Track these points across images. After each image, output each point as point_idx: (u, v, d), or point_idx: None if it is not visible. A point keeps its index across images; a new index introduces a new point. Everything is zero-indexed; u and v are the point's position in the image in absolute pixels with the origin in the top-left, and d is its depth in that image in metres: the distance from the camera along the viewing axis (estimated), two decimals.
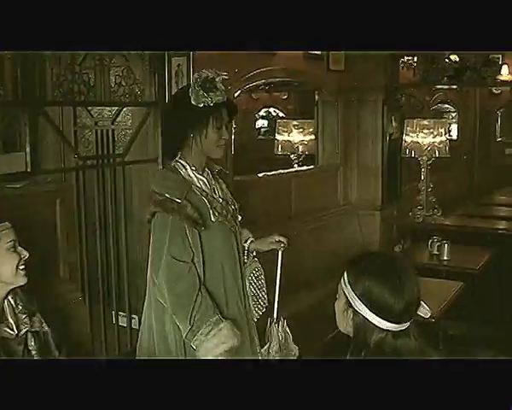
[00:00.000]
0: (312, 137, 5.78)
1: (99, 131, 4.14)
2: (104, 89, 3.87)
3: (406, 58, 6.45)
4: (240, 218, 2.75)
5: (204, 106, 2.48)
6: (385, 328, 1.67)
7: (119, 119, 4.00)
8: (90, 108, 4.17)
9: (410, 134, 5.38)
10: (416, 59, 6.50)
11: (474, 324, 5.41)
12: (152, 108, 3.61)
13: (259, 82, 4.64)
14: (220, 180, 2.74)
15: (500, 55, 8.70)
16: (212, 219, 2.55)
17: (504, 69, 9.10)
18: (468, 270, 4.93)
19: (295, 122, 6.15)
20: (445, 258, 5.04)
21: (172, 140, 2.66)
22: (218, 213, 2.57)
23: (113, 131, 4.10)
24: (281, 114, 9.20)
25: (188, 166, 2.58)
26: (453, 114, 9.81)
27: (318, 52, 4.93)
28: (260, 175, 4.83)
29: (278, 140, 6.15)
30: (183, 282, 2.45)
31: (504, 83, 8.66)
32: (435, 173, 6.10)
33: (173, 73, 3.64)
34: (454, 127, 9.84)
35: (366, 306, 1.67)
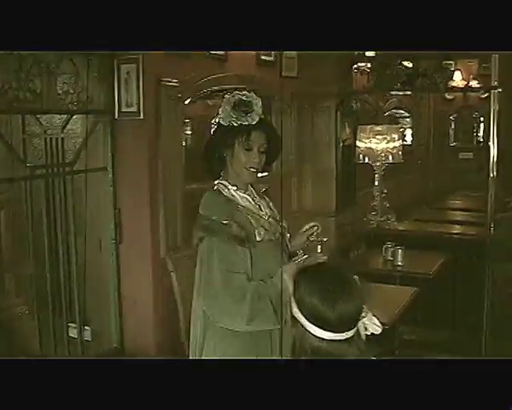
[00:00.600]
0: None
1: (48, 140, 4.10)
2: (51, 96, 3.84)
3: (360, 64, 6.56)
4: (289, 236, 2.78)
5: (230, 125, 2.53)
6: (320, 336, 1.70)
7: (68, 126, 3.96)
8: (38, 115, 4.12)
9: (364, 140, 5.46)
10: (369, 65, 6.61)
11: (429, 328, 5.53)
12: (101, 116, 3.61)
13: (211, 89, 4.65)
14: (267, 198, 2.78)
15: (452, 62, 8.94)
16: (258, 238, 2.55)
17: (457, 75, 9.33)
18: (422, 275, 5.03)
19: None
20: (399, 263, 5.15)
21: (209, 159, 2.68)
22: (265, 230, 2.58)
23: (62, 139, 4.06)
24: None
25: (230, 186, 2.62)
26: (407, 120, 10.00)
27: (271, 58, 4.98)
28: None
29: None
30: (249, 290, 2.43)
31: (457, 89, 8.89)
32: (390, 179, 6.22)
33: (122, 80, 3.64)
34: (409, 132, 10.03)
35: (301, 313, 1.72)
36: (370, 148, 5.44)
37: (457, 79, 9.37)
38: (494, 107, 5.38)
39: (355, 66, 6.21)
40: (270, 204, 2.79)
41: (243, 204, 2.60)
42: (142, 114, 3.65)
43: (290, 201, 5.47)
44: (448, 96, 9.83)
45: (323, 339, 1.70)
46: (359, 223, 5.72)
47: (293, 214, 5.41)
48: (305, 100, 5.43)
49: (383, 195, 5.69)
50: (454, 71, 9.31)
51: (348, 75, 5.84)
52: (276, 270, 2.47)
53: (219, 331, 2.53)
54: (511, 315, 5.66)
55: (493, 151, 5.38)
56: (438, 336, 5.47)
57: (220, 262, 2.44)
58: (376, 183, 5.62)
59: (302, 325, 1.72)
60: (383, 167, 5.56)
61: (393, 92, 7.01)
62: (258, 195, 2.75)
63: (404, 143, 9.68)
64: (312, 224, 2.82)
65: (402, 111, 9.70)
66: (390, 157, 5.48)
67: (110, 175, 3.74)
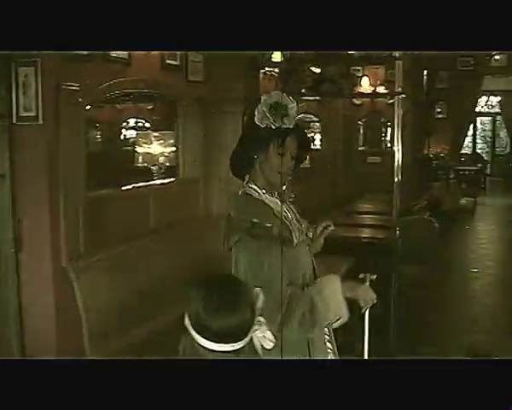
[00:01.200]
0: (173, 148, 5.85)
1: None
2: None
3: (267, 69, 6.68)
4: (311, 235, 2.79)
5: (266, 127, 2.46)
6: (204, 346, 1.71)
7: None
8: None
9: None
10: (276, 70, 6.75)
11: (335, 333, 5.67)
12: None
13: (116, 93, 4.63)
14: (288, 202, 2.75)
15: (360, 68, 9.26)
16: (295, 240, 2.54)
17: (365, 81, 9.67)
18: None
19: (156, 134, 6.19)
20: None
21: (238, 161, 2.62)
22: (298, 232, 2.59)
23: None
24: (147, 125, 9.23)
25: (259, 190, 2.57)
26: (317, 124, 10.27)
27: (177, 62, 5.01)
28: (123, 188, 4.85)
29: (139, 152, 6.16)
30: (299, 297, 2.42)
31: (363, 94, 9.21)
32: (298, 183, 6.35)
33: (20, 83, 3.59)
34: (318, 137, 10.30)
35: (189, 320, 1.74)
36: None
37: (365, 85, 9.72)
38: (398, 112, 5.55)
39: (262, 71, 6.33)
40: (291, 206, 2.79)
41: (276, 207, 2.55)
42: (41, 119, 3.60)
43: (198, 206, 5.51)
44: (356, 102, 10.16)
45: (209, 349, 1.71)
46: None
47: (200, 220, 5.46)
48: (211, 105, 5.48)
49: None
50: (362, 77, 9.65)
51: (255, 80, 5.94)
52: (309, 269, 2.60)
53: None
54: (415, 318, 5.93)
55: (398, 155, 5.56)
56: (344, 340, 5.62)
57: (269, 267, 2.37)
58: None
59: (190, 334, 1.73)
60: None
61: (303, 97, 7.16)
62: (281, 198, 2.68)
63: (314, 147, 9.98)
64: (325, 224, 2.86)
65: (311, 116, 9.96)
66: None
67: (8, 182, 3.67)
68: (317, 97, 7.62)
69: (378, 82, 9.89)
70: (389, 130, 10.49)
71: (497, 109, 20.21)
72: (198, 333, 1.71)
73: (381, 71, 9.90)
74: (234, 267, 2.51)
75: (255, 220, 2.44)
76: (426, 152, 12.27)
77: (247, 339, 1.74)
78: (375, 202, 8.51)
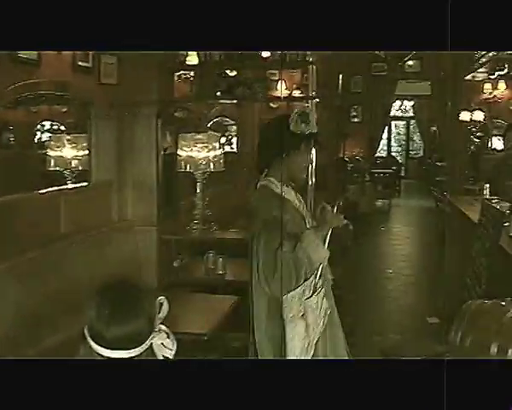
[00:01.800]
0: (86, 152, 5.80)
1: None
2: None
3: (182, 72, 6.73)
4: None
5: (300, 133, 2.98)
6: (98, 352, 1.74)
7: None
8: None
9: (185, 148, 5.60)
10: (192, 73, 6.80)
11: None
12: None
13: (28, 95, 4.58)
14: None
15: (276, 72, 9.38)
16: (308, 225, 3.07)
17: (281, 85, 9.82)
18: (243, 283, 5.17)
19: (68, 137, 6.11)
20: (221, 272, 5.31)
21: (265, 157, 3.15)
22: (311, 218, 3.14)
23: None
24: (63, 128, 9.07)
25: (276, 182, 3.02)
26: (234, 127, 10.36)
27: (89, 64, 4.99)
28: (34, 193, 4.80)
29: (51, 156, 6.06)
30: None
31: (278, 98, 9.35)
32: (214, 186, 6.41)
33: None
34: (234, 140, 10.38)
35: (87, 328, 1.77)
36: (191, 156, 5.59)
37: (281, 89, 9.87)
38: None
39: (177, 73, 6.37)
40: (301, 198, 3.25)
41: (292, 200, 3.09)
42: None
43: (111, 210, 5.49)
44: (273, 105, 10.30)
45: (106, 357, 1.73)
46: (182, 232, 5.84)
47: (114, 224, 5.45)
48: (125, 107, 5.47)
49: (205, 203, 5.85)
50: (278, 81, 9.80)
51: (169, 83, 5.97)
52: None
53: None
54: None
55: (313, 159, 5.68)
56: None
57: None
58: (198, 191, 5.77)
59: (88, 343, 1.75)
60: (205, 176, 5.72)
61: (213, 101, 7.22)
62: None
63: (231, 150, 10.07)
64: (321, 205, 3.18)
65: (228, 119, 10.05)
66: (211, 165, 5.66)
67: None
68: (233, 101, 7.68)
69: (294, 86, 10.09)
70: None
71: (410, 113, 20.92)
72: (94, 341, 1.73)
73: (297, 75, 10.10)
74: (254, 257, 3.02)
75: (275, 214, 2.84)
76: (341, 155, 12.57)
77: (144, 346, 1.76)
78: None
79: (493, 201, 4.57)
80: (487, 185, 5.47)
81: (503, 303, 2.59)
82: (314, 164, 5.57)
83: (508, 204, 4.40)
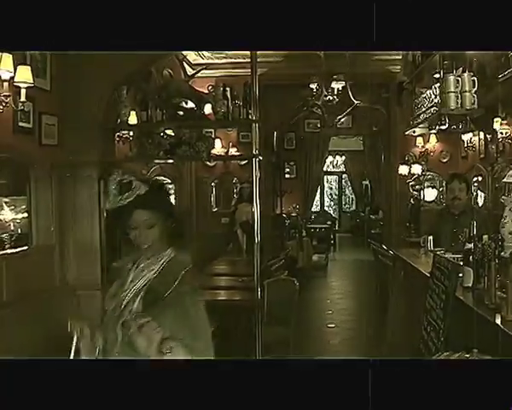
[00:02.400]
0: (26, 214, 5.64)
1: None
2: None
3: (122, 132, 6.70)
4: None
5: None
6: None
7: None
8: None
9: None
10: (132, 133, 6.77)
11: None
12: None
13: None
14: None
15: (213, 130, 9.49)
16: None
17: (217, 143, 9.91)
18: None
19: (6, 199, 5.94)
20: None
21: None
22: None
23: None
24: None
25: None
26: (171, 186, 10.34)
27: (29, 125, 4.91)
28: None
29: None
30: None
31: (218, 157, 9.44)
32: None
33: None
34: (172, 198, 10.33)
35: None
36: None
37: (218, 147, 9.96)
38: (256, 173, 5.73)
39: (117, 134, 6.34)
40: None
41: None
42: None
43: (53, 274, 5.34)
44: (209, 164, 10.36)
45: None
46: None
47: (56, 289, 5.30)
48: (66, 169, 5.40)
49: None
50: (214, 139, 9.89)
51: (110, 144, 5.93)
52: None
53: None
54: None
55: (257, 216, 5.72)
56: None
57: None
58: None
59: None
60: None
61: (156, 160, 7.21)
62: None
63: None
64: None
65: (164, 178, 10.02)
66: None
67: None
68: (170, 160, 7.66)
69: (231, 144, 10.19)
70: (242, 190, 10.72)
71: (342, 168, 21.38)
72: None
73: (233, 133, 10.21)
74: None
75: None
76: (278, 212, 12.69)
77: None
78: (230, 263, 8.61)
79: (438, 252, 4.67)
80: (430, 237, 5.60)
81: (468, 355, 2.62)
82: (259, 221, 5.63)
83: (451, 255, 4.52)
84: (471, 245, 3.99)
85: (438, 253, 4.48)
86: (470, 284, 3.91)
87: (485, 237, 3.93)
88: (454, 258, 4.27)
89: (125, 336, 2.56)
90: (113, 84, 5.62)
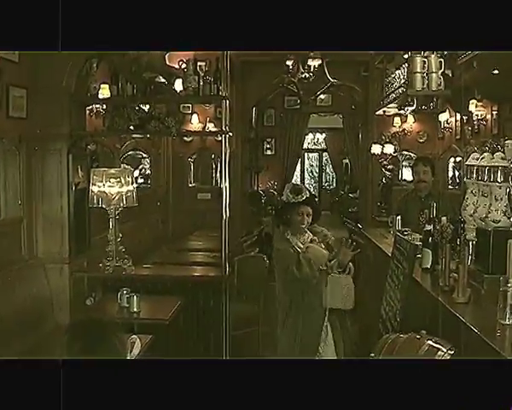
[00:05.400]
0: None
1: None
2: None
3: (95, 106, 6.67)
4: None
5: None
6: None
7: None
8: None
9: (97, 183, 5.53)
10: (104, 106, 6.74)
11: None
12: None
13: None
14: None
15: (190, 105, 9.47)
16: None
17: (194, 118, 9.89)
18: (159, 321, 5.09)
19: None
20: (135, 310, 5.16)
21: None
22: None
23: None
24: None
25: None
26: (147, 161, 10.32)
27: None
28: None
29: None
30: None
31: (190, 132, 9.41)
32: (127, 221, 6.35)
33: None
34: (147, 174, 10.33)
35: None
36: (104, 191, 5.52)
37: (195, 122, 9.94)
38: (226, 149, 5.75)
39: (89, 107, 6.31)
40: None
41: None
42: None
43: (20, 248, 5.35)
44: (186, 139, 10.33)
45: None
46: (95, 269, 5.75)
47: (24, 262, 5.30)
48: (34, 142, 5.38)
49: (118, 239, 5.78)
50: (191, 114, 9.87)
51: (81, 117, 5.90)
52: None
53: None
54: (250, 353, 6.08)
55: (226, 192, 5.75)
56: None
57: None
58: (111, 226, 5.69)
59: None
60: (118, 211, 5.66)
61: (125, 135, 7.17)
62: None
63: (144, 185, 10.02)
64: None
65: (141, 152, 10.00)
66: (124, 200, 5.61)
67: None
68: (144, 135, 7.65)
69: (208, 119, 10.15)
70: (219, 166, 10.72)
71: (323, 146, 21.38)
72: None
73: (210, 109, 10.17)
74: None
75: None
76: (255, 188, 12.68)
77: None
78: (205, 239, 8.64)
79: (404, 233, 4.72)
80: (398, 218, 5.65)
81: (418, 336, 2.67)
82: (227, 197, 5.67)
83: (419, 236, 4.57)
84: (431, 227, 4.04)
85: (399, 233, 4.52)
86: (428, 266, 3.97)
87: (444, 218, 3.99)
88: (417, 239, 4.33)
89: None
90: (84, 56, 5.59)
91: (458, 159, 8.94)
